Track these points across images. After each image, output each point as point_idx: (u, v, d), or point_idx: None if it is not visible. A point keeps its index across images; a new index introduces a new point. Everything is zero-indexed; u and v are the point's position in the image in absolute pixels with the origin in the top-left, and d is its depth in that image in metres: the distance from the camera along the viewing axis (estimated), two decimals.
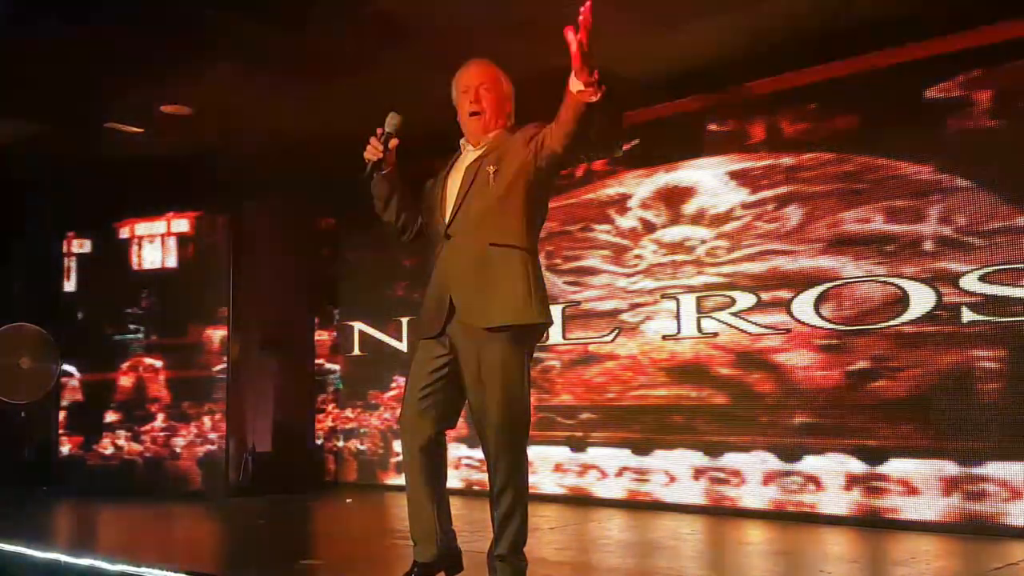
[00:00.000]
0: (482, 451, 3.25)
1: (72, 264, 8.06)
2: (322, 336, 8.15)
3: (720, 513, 5.72)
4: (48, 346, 7.72)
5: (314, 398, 8.11)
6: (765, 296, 5.68)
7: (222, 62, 5.38)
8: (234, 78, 5.62)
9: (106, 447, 7.70)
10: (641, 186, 6.30)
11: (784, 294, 5.60)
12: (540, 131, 3.17)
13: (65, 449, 7.83)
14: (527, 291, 3.15)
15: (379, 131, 3.30)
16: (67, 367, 7.87)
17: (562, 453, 6.54)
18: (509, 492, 3.14)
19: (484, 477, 3.36)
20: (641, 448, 6.16)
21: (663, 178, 6.20)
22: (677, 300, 6.06)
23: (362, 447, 7.73)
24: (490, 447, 3.15)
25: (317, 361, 8.15)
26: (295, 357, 8.06)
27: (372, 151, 3.28)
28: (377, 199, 3.42)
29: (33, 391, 7.67)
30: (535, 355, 6.80)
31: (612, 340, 6.36)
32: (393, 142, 3.32)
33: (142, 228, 7.80)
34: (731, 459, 5.75)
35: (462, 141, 3.40)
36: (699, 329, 5.95)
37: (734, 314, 5.80)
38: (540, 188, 3.26)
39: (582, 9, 2.71)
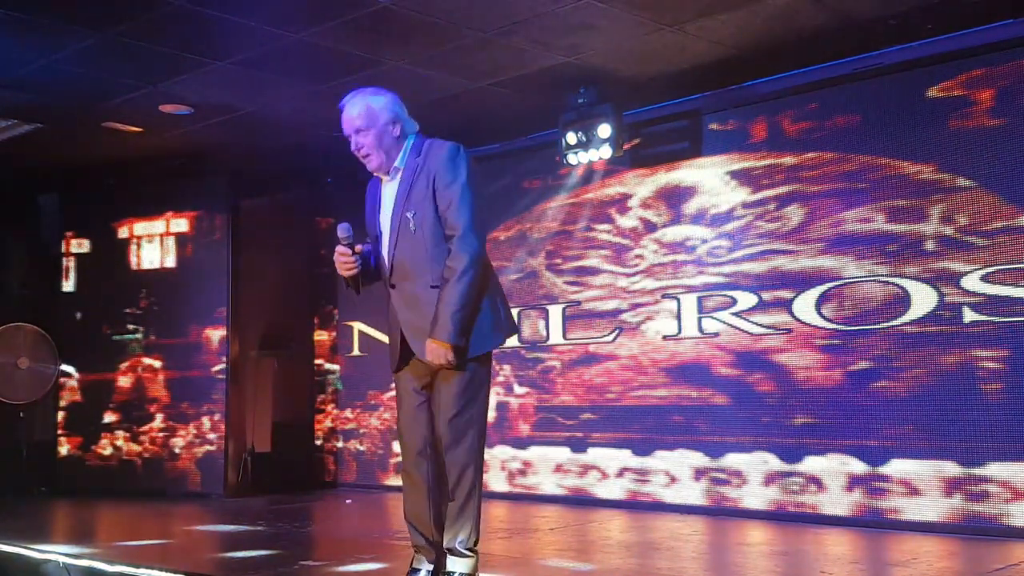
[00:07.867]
0: (439, 448, 3.38)
1: (71, 264, 8.05)
2: (322, 336, 8.14)
3: (721, 514, 5.71)
4: (47, 346, 7.71)
5: (314, 398, 8.10)
6: (766, 296, 5.67)
7: (222, 62, 5.38)
8: (234, 78, 5.62)
9: (105, 447, 7.69)
10: (641, 186, 6.28)
11: (785, 294, 5.59)
12: (447, 183, 3.28)
13: (64, 449, 7.81)
14: None
15: (340, 248, 3.39)
16: (66, 367, 7.86)
17: (563, 454, 6.53)
18: (463, 488, 3.30)
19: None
20: (641, 448, 6.15)
21: (663, 178, 6.19)
22: (678, 300, 6.05)
23: (361, 447, 7.72)
24: (446, 445, 3.31)
25: (317, 361, 8.13)
26: (295, 357, 8.05)
27: (347, 267, 3.43)
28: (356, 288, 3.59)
29: (32, 391, 7.66)
30: (535, 355, 6.80)
31: (613, 340, 6.35)
32: (358, 248, 3.45)
33: (141, 228, 7.79)
34: (732, 460, 5.75)
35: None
36: (700, 329, 5.94)
37: (735, 314, 5.79)
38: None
39: None
